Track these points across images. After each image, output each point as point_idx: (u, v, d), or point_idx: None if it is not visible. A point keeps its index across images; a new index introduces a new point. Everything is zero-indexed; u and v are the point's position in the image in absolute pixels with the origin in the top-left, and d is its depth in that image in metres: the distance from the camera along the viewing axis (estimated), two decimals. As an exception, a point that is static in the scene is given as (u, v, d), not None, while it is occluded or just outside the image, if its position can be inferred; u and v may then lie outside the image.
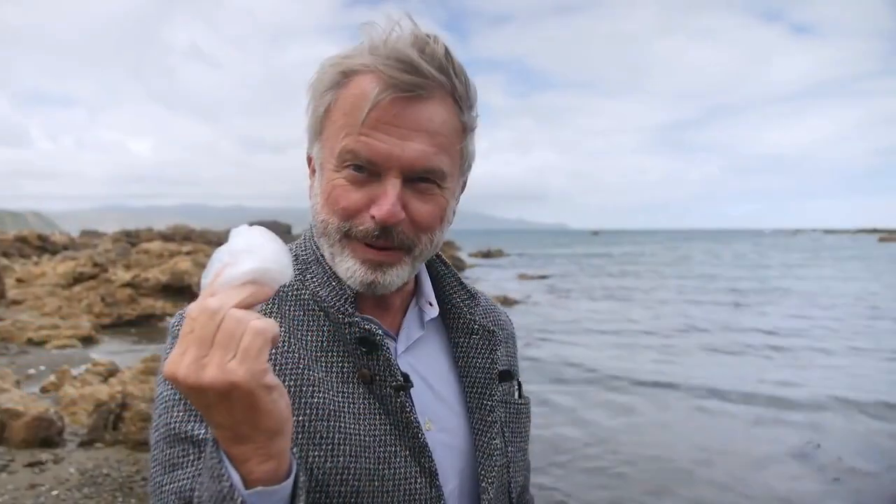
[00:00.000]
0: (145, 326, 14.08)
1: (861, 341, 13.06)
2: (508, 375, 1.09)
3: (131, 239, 32.41)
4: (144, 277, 15.32)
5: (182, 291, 15.66)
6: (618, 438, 7.04)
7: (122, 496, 4.75)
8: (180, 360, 0.65)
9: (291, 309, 0.95)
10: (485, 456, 1.01)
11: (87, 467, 5.27)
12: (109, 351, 11.22)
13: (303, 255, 1.01)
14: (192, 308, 0.67)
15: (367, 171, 0.90)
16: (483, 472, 1.00)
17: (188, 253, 17.54)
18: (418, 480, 0.92)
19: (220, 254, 0.71)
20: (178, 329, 0.89)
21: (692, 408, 8.35)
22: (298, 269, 0.99)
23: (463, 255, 38.55)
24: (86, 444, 5.90)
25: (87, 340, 12.03)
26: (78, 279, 15.85)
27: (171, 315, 14.83)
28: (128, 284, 15.02)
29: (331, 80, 0.92)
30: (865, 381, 9.74)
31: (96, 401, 6.55)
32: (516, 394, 1.11)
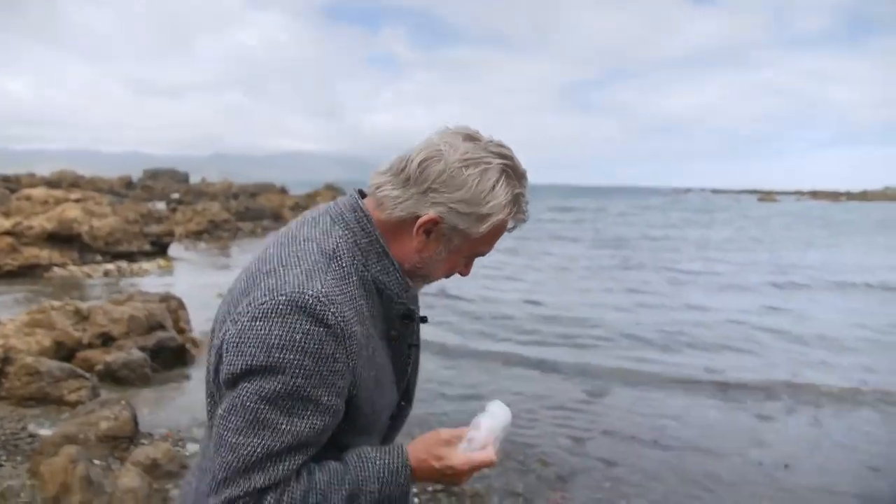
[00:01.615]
0: (30, 277, 13.24)
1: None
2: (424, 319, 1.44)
3: (10, 184, 30.17)
4: (28, 225, 14.32)
5: (70, 241, 14.78)
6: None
7: (6, 454, 4.52)
8: (469, 472, 1.22)
9: (355, 286, 1.18)
10: (415, 375, 1.43)
11: (-34, 425, 4.98)
12: (-12, 303, 10.50)
13: (363, 244, 1.22)
14: (486, 460, 1.22)
15: None
16: (413, 388, 1.45)
17: (77, 200, 16.51)
18: (396, 396, 1.34)
19: (489, 429, 1.24)
20: (313, 346, 1.08)
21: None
22: (361, 254, 1.21)
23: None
24: (-36, 400, 5.55)
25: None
26: (-50, 226, 14.64)
27: (59, 265, 14.02)
28: (8, 233, 14.01)
29: (508, 200, 1.21)
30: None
31: (-25, 355, 6.15)
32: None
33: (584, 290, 14.48)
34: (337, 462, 1.17)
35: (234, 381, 1.10)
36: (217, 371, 1.16)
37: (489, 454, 1.21)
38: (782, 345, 9.58)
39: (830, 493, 4.75)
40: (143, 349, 6.81)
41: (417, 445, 1.23)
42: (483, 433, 1.22)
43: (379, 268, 1.22)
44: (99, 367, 6.44)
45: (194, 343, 7.83)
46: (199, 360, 7.38)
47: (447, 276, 1.33)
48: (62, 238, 14.66)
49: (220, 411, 1.12)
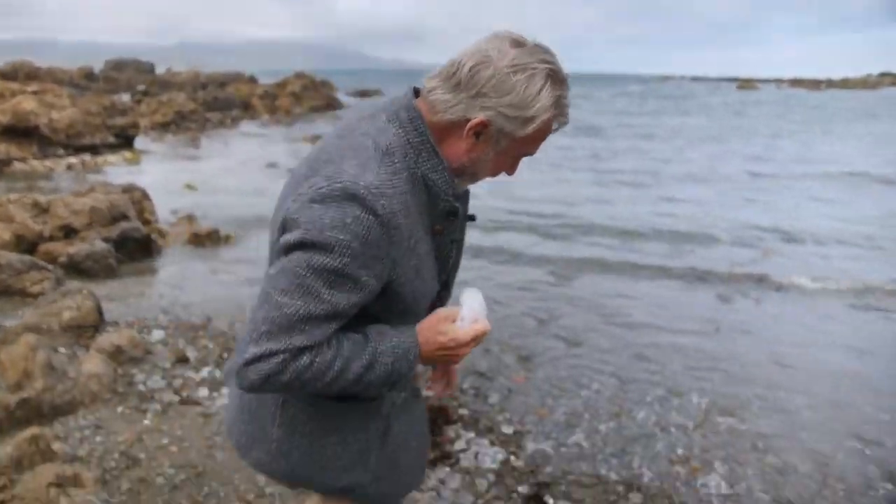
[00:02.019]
0: (-11, 172, 12.89)
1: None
2: (472, 217, 1.58)
3: (-37, 76, 28.68)
4: (-19, 118, 13.77)
5: (29, 134, 14.27)
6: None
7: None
8: (469, 345, 1.38)
9: (405, 181, 1.29)
10: (455, 270, 1.62)
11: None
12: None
13: (415, 142, 1.33)
14: (483, 328, 1.38)
15: None
16: (452, 279, 1.64)
17: (34, 93, 15.79)
18: (437, 286, 1.48)
19: (471, 309, 1.39)
20: (361, 231, 1.22)
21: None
22: (413, 152, 1.32)
23: (340, 96, 37.15)
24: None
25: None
26: None
27: (18, 160, 13.62)
28: (-38, 126, 13.48)
29: (552, 103, 1.29)
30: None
31: (-67, 249, 6.02)
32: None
33: (557, 180, 14.45)
34: (359, 334, 1.33)
35: (287, 249, 1.23)
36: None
37: (485, 323, 1.38)
38: (755, 234, 9.70)
39: (780, 365, 4.95)
40: (106, 240, 6.71)
41: (423, 325, 1.39)
42: (469, 312, 1.38)
43: (429, 165, 1.33)
44: (62, 259, 6.36)
45: (161, 233, 7.75)
46: (166, 251, 7.33)
47: (494, 176, 1.44)
48: (20, 132, 14.15)
49: (270, 271, 1.26)
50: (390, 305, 1.35)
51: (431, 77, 1.34)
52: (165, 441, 3.38)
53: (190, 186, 10.92)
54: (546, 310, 6.06)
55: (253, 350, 1.23)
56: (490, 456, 3.53)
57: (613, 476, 3.40)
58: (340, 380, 1.29)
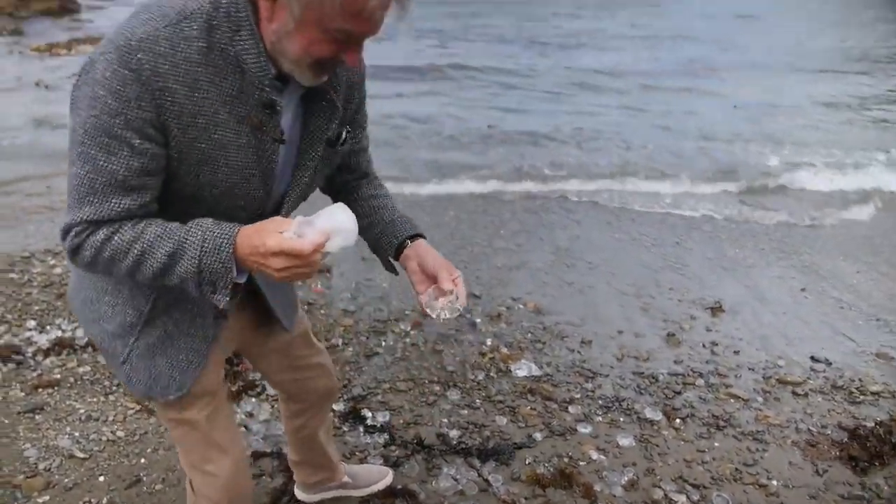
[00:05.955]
0: None
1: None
2: (334, 142, 1.40)
3: None
4: None
5: None
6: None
7: None
8: (278, 256, 1.15)
9: (198, 51, 1.14)
10: (294, 186, 1.40)
11: None
12: None
13: (234, 15, 1.16)
14: (296, 248, 1.14)
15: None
16: (289, 195, 1.41)
17: None
18: (260, 191, 1.32)
19: (322, 228, 1.16)
20: (116, 86, 1.11)
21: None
22: (228, 27, 1.16)
23: None
24: None
25: None
26: None
27: None
28: None
29: None
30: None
31: None
32: (344, 137, 1.43)
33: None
34: (178, 224, 1.20)
35: (70, 108, 1.18)
36: None
37: (302, 244, 1.15)
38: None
39: (578, 258, 5.12)
40: None
41: (248, 227, 1.20)
42: (311, 230, 1.17)
43: (244, 46, 1.18)
44: None
45: None
46: None
47: (313, 59, 1.18)
48: None
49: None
50: (175, 187, 1.24)
51: None
52: None
53: None
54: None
55: (63, 221, 1.19)
56: (295, 376, 3.21)
57: (427, 377, 3.26)
58: (145, 264, 1.20)
